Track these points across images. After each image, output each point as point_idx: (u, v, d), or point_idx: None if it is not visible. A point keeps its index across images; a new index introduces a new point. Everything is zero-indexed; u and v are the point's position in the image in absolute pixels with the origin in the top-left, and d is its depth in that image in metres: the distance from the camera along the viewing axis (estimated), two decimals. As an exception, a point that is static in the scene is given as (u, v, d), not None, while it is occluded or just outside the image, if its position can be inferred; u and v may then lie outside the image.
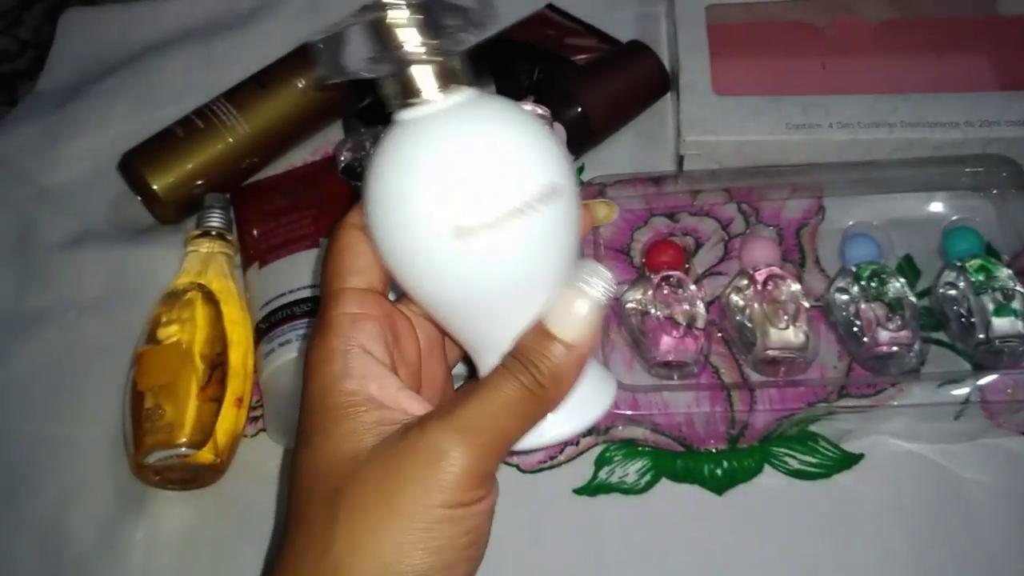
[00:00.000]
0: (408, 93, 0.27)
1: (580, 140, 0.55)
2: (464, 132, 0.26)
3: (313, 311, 0.47)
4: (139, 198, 0.56)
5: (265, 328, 0.48)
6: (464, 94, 0.27)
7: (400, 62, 0.26)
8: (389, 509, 0.27)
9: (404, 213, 0.26)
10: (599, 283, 0.27)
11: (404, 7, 0.26)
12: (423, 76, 0.27)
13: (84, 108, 0.65)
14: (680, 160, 0.53)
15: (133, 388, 0.46)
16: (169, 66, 0.67)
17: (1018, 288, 0.44)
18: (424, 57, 0.26)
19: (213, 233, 0.52)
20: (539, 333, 0.28)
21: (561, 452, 0.46)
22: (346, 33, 0.26)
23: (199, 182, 0.55)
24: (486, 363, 0.29)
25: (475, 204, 0.26)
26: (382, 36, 0.26)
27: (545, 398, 0.28)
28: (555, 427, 0.29)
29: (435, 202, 0.26)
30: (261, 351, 0.47)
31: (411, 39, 0.26)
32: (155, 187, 0.54)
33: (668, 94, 0.59)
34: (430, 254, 0.26)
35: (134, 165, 0.55)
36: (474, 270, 0.27)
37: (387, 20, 0.26)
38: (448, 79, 0.27)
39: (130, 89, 0.66)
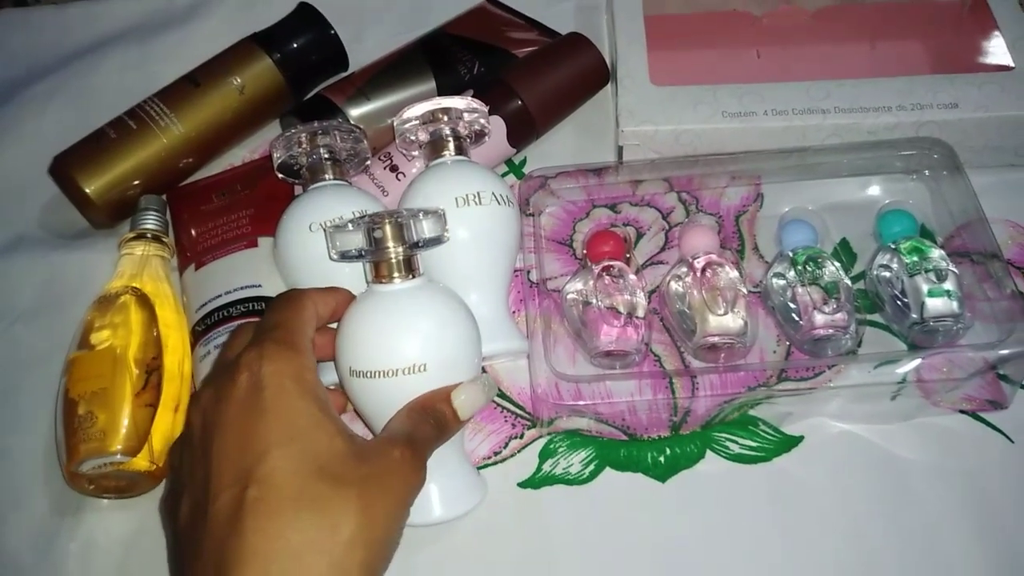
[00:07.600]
0: (380, 275, 0.41)
1: (521, 133, 0.55)
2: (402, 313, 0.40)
3: (250, 312, 0.46)
4: (72, 202, 0.55)
5: (201, 331, 0.47)
6: (415, 282, 0.41)
7: (382, 255, 0.40)
8: (387, 501, 0.35)
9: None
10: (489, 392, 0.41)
11: (388, 224, 0.40)
12: (392, 266, 0.40)
13: (15, 111, 0.63)
14: (620, 151, 0.53)
15: (65, 395, 0.45)
16: (105, 68, 0.66)
17: (951, 268, 0.45)
18: (394, 256, 0.40)
19: (148, 235, 0.51)
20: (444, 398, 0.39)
21: (505, 446, 0.46)
22: (351, 230, 0.40)
23: (134, 184, 0.54)
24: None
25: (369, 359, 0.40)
26: (374, 238, 0.40)
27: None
28: (437, 509, 0.41)
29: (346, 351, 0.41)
30: (197, 354, 0.46)
31: (393, 244, 0.40)
32: (87, 191, 0.53)
33: (608, 85, 0.59)
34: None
35: (65, 169, 0.54)
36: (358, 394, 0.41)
37: (379, 232, 0.40)
38: (408, 269, 0.41)
39: (64, 92, 0.64)
